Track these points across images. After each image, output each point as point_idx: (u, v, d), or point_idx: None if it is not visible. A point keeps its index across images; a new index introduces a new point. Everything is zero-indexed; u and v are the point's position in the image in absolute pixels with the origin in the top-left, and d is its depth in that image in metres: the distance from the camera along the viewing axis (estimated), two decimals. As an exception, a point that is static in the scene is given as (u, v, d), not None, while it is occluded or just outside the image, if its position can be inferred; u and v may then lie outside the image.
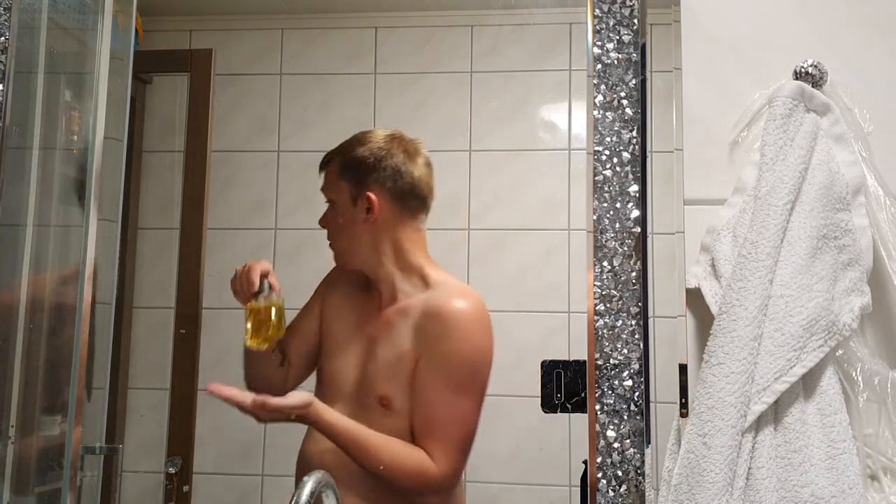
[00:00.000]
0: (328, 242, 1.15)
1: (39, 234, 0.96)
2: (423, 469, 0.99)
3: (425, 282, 1.06)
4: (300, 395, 1.00)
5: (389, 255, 1.08)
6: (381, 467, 0.99)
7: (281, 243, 1.34)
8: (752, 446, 0.67)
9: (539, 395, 0.91)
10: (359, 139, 1.13)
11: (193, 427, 1.20)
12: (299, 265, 1.34)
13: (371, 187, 1.08)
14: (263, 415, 0.99)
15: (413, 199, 1.09)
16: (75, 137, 0.99)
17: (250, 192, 1.35)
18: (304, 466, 1.07)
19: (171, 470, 1.17)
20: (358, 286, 1.12)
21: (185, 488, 1.17)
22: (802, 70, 0.77)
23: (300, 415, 0.99)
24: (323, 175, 1.15)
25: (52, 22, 0.97)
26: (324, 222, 1.14)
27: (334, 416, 1.01)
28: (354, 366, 1.08)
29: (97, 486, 0.93)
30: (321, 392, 1.10)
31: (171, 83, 1.36)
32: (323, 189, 1.14)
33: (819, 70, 0.77)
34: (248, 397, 0.98)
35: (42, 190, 0.97)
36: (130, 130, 1.02)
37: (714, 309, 0.72)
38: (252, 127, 1.37)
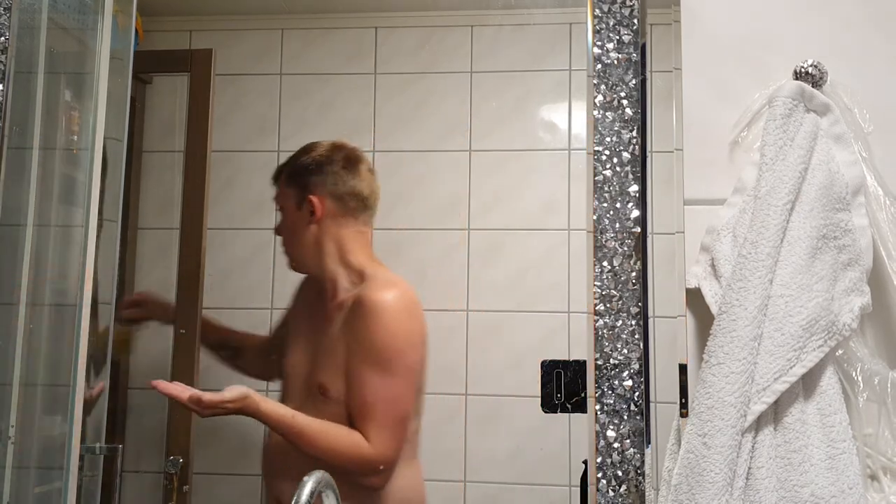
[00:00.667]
0: (283, 249, 1.20)
1: (39, 234, 0.96)
2: (359, 450, 1.05)
3: (362, 278, 1.13)
4: (237, 389, 1.05)
5: (333, 254, 1.15)
6: (319, 454, 1.05)
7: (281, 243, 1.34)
8: (752, 446, 0.67)
9: (539, 395, 0.91)
10: (304, 150, 1.21)
11: (193, 427, 1.20)
12: (299, 265, 1.33)
13: (314, 191, 1.15)
14: (200, 410, 1.03)
15: (354, 202, 1.16)
16: (75, 137, 0.99)
17: (250, 192, 1.35)
18: (266, 459, 1.17)
19: (171, 470, 1.17)
20: (312, 290, 1.19)
21: (185, 488, 1.17)
22: (802, 70, 0.77)
23: (239, 407, 1.04)
24: (275, 187, 1.21)
25: (52, 22, 0.97)
26: (277, 230, 1.21)
27: (270, 405, 1.06)
28: (304, 361, 1.15)
29: (97, 486, 0.93)
30: (283, 387, 1.18)
31: (171, 83, 1.36)
32: (275, 199, 1.21)
33: (819, 70, 0.77)
34: (185, 392, 1.03)
35: (42, 190, 0.97)
36: (130, 130, 1.02)
37: (714, 309, 0.72)
38: (252, 127, 1.37)
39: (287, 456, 1.08)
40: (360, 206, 1.16)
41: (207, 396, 1.02)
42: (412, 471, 1.11)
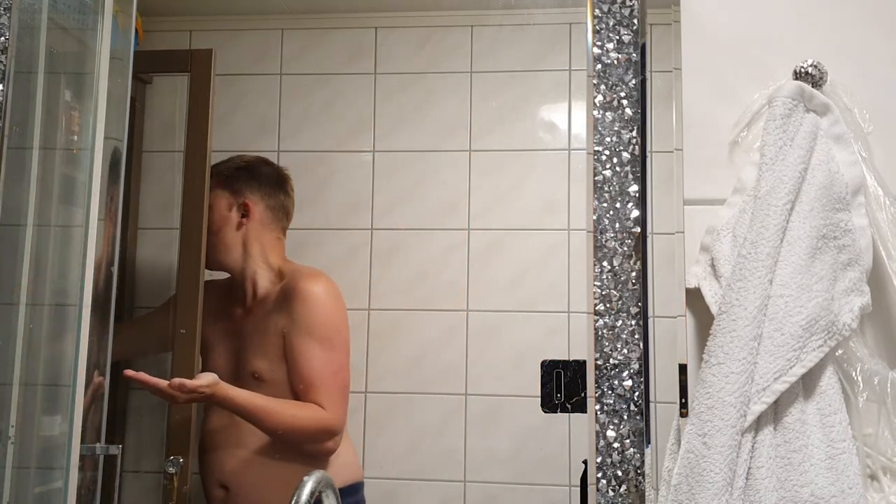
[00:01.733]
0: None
1: (39, 234, 0.96)
2: (319, 417, 1.16)
3: (281, 276, 1.25)
4: (209, 376, 1.14)
5: (257, 255, 1.25)
6: (282, 428, 1.16)
7: (281, 243, 1.34)
8: (752, 446, 0.67)
9: (539, 395, 0.91)
10: (237, 158, 1.30)
11: (193, 427, 1.20)
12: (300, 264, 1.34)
13: (249, 197, 1.26)
14: (181, 396, 1.12)
15: (279, 213, 1.28)
16: (75, 137, 0.99)
17: (250, 192, 1.35)
18: (206, 443, 1.22)
19: (171, 470, 1.17)
20: (221, 295, 1.27)
21: (185, 488, 1.17)
22: (802, 70, 0.77)
23: (211, 393, 1.13)
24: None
25: (52, 22, 0.97)
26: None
27: (235, 390, 1.16)
28: (228, 357, 1.24)
29: (97, 486, 0.93)
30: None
31: (171, 83, 1.36)
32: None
33: (819, 70, 0.77)
34: (164, 381, 1.12)
35: (42, 190, 0.97)
36: (130, 130, 1.02)
37: (714, 309, 0.72)
38: (252, 127, 1.37)
39: (226, 432, 1.19)
40: (283, 217, 1.28)
41: (190, 382, 1.11)
42: (348, 441, 1.23)
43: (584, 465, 0.76)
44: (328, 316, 1.20)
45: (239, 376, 1.21)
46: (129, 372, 1.12)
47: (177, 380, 1.11)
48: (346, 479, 1.20)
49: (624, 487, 0.71)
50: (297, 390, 1.18)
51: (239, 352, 1.23)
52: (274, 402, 1.17)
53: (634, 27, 0.78)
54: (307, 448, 1.18)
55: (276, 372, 1.20)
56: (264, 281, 1.24)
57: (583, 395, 0.78)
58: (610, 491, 0.71)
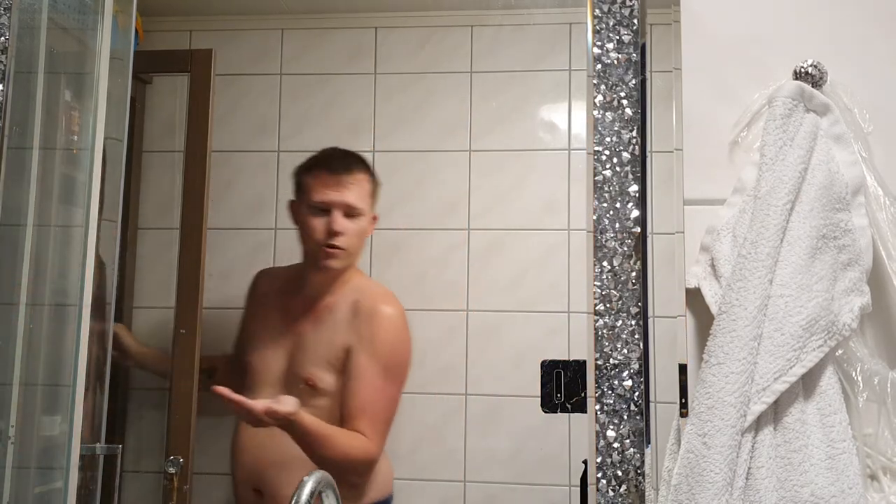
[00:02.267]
0: (336, 247, 1.21)
1: (39, 234, 0.96)
2: (366, 449, 1.15)
3: (352, 285, 1.22)
4: (293, 402, 1.12)
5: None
6: (335, 459, 1.13)
7: (281, 243, 1.35)
8: (752, 446, 0.67)
9: (539, 395, 0.91)
10: (366, 161, 1.26)
11: (193, 427, 1.20)
12: (299, 265, 1.33)
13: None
14: (268, 421, 1.10)
15: None
16: (75, 137, 0.99)
17: (250, 192, 1.35)
18: (241, 445, 1.20)
19: (171, 470, 1.17)
20: (281, 289, 1.25)
21: (185, 488, 1.17)
22: (802, 70, 0.77)
23: (293, 420, 1.11)
24: (349, 189, 1.22)
25: (52, 22, 0.97)
26: (340, 228, 1.22)
27: (310, 417, 1.13)
28: (282, 357, 1.21)
29: (97, 486, 0.93)
30: (246, 381, 1.22)
31: (171, 83, 1.36)
32: (352, 200, 1.22)
33: (819, 70, 0.77)
34: (258, 404, 1.09)
35: (42, 190, 0.97)
36: (130, 130, 1.02)
37: (714, 309, 0.72)
38: (252, 127, 1.37)
39: (262, 436, 1.16)
40: None
41: (281, 409, 1.10)
42: (386, 461, 1.22)
43: (584, 465, 0.76)
44: (398, 346, 1.19)
45: (289, 380, 1.19)
46: (220, 389, 1.09)
47: (270, 406, 1.09)
48: (383, 492, 1.19)
49: (624, 487, 0.71)
50: (345, 408, 1.16)
51: (293, 354, 1.20)
52: (334, 431, 1.14)
53: (634, 27, 0.78)
54: (346, 479, 1.14)
55: (330, 384, 1.17)
56: (334, 285, 1.22)
57: (583, 395, 0.78)
58: (610, 491, 0.71)
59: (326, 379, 1.18)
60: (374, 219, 1.24)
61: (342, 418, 1.16)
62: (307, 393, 1.17)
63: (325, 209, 1.21)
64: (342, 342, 1.18)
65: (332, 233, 1.20)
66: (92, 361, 0.91)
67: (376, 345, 1.17)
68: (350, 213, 1.21)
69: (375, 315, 1.19)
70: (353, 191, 1.22)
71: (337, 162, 1.24)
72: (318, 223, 1.21)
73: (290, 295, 1.24)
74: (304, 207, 1.24)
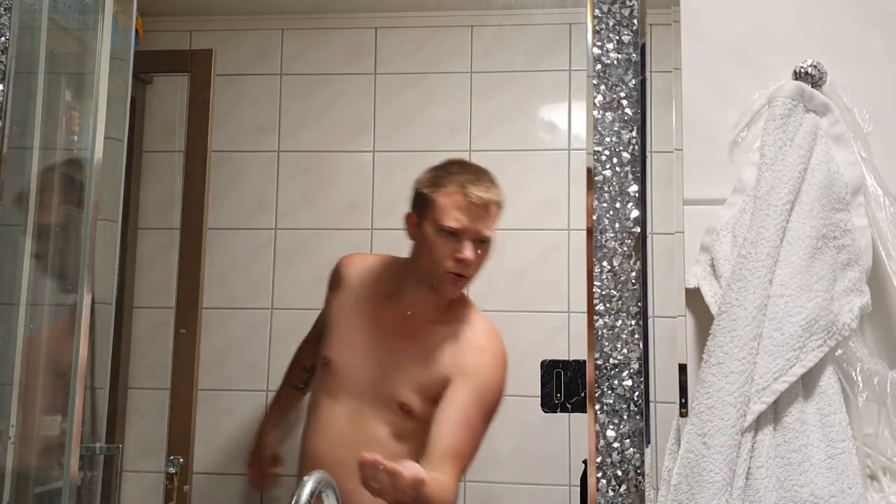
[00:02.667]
0: (462, 276, 1.16)
1: (39, 235, 0.96)
2: (451, 498, 1.06)
3: (462, 312, 1.15)
4: (418, 468, 1.00)
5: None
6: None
7: (281, 243, 1.34)
8: (752, 446, 0.67)
9: (539, 394, 0.91)
10: (495, 180, 1.17)
11: (193, 427, 1.20)
12: (299, 265, 1.34)
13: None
14: (409, 493, 0.98)
15: None
16: (75, 137, 0.99)
17: (250, 192, 1.35)
18: (313, 448, 1.12)
19: (171, 470, 1.17)
20: (379, 289, 1.18)
21: (185, 488, 1.17)
22: (802, 70, 0.77)
23: (421, 490, 1.00)
24: (481, 214, 1.15)
25: (53, 22, 0.97)
26: (474, 259, 1.15)
27: (434, 485, 1.03)
28: (370, 366, 1.13)
29: (97, 486, 0.93)
30: (324, 382, 1.15)
31: (172, 83, 1.36)
32: (483, 228, 1.15)
33: (818, 70, 0.77)
34: (408, 470, 0.98)
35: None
36: (130, 130, 1.03)
37: (713, 309, 0.72)
38: (252, 127, 1.37)
39: (336, 438, 1.09)
40: None
41: (423, 476, 0.99)
42: None
43: (583, 465, 0.76)
44: (497, 385, 1.12)
45: (379, 398, 1.11)
46: (367, 456, 0.97)
47: (418, 476, 0.98)
48: None
49: (624, 487, 0.71)
50: (435, 444, 1.07)
51: (386, 369, 1.13)
52: (442, 488, 1.05)
53: (634, 27, 0.78)
54: None
55: (423, 412, 1.10)
56: (446, 312, 1.15)
57: (583, 394, 0.78)
58: (610, 491, 0.71)
59: (421, 406, 1.10)
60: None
61: (428, 452, 1.07)
62: (399, 418, 1.10)
63: (455, 234, 1.14)
64: (442, 372, 1.11)
65: (460, 261, 1.13)
66: (92, 361, 0.91)
67: (477, 382, 1.10)
68: (481, 239, 1.14)
69: (479, 350, 1.12)
70: (487, 219, 1.15)
71: (474, 186, 1.15)
72: (445, 248, 1.14)
73: (388, 300, 1.17)
74: (428, 226, 1.16)
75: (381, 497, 0.99)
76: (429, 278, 1.16)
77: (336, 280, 1.22)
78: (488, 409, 1.10)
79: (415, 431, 1.09)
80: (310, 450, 1.13)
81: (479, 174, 1.18)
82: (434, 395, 1.10)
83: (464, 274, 1.15)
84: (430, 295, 1.16)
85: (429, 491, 1.00)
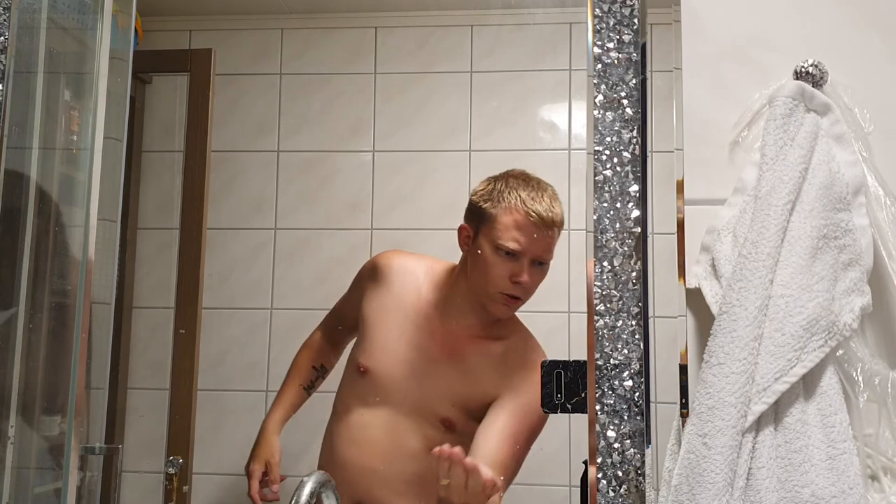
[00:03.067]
0: (517, 299, 1.11)
1: (39, 234, 0.96)
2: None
3: (508, 327, 1.10)
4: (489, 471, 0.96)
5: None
6: None
7: (280, 243, 1.35)
8: (753, 446, 0.67)
9: (539, 395, 0.91)
10: (557, 196, 1.13)
11: (193, 427, 1.20)
12: (298, 265, 1.34)
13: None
14: (486, 492, 0.94)
15: None
16: (75, 137, 0.99)
17: (250, 192, 1.35)
18: (341, 458, 1.08)
19: (171, 470, 1.17)
20: (423, 296, 1.13)
21: (185, 488, 1.17)
22: (803, 70, 0.77)
23: (494, 492, 0.96)
24: (543, 235, 1.10)
25: (52, 22, 0.97)
26: (530, 281, 1.10)
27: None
28: (411, 378, 1.09)
29: (97, 486, 0.93)
30: (358, 390, 1.10)
31: (171, 83, 1.36)
32: (543, 251, 1.10)
33: (819, 70, 0.77)
34: (485, 471, 0.93)
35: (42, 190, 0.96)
36: (130, 130, 1.02)
37: (714, 309, 0.72)
38: (252, 127, 1.37)
39: (367, 449, 1.05)
40: None
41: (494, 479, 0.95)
42: None
43: (584, 466, 0.76)
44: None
45: (421, 412, 1.07)
46: (447, 448, 0.93)
47: (494, 480, 0.93)
48: None
49: (624, 488, 0.71)
50: (476, 452, 1.03)
51: (428, 382, 1.08)
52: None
53: (635, 27, 0.77)
54: None
55: (465, 428, 1.06)
56: (494, 329, 1.11)
57: (583, 395, 0.78)
58: (610, 491, 0.71)
59: (463, 422, 1.07)
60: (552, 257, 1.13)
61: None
62: (438, 432, 1.06)
63: (513, 255, 1.08)
64: (488, 390, 1.07)
65: (518, 283, 1.08)
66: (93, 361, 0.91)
67: (525, 399, 1.04)
68: (541, 261, 1.09)
69: (528, 367, 1.06)
70: (550, 240, 1.09)
71: (539, 205, 1.09)
72: (502, 268, 1.08)
73: (434, 310, 1.12)
74: (484, 243, 1.09)
75: (449, 499, 0.94)
76: (480, 296, 1.10)
77: (376, 275, 1.15)
78: (535, 426, 1.06)
79: (457, 444, 1.02)
80: (338, 457, 1.09)
81: (540, 190, 1.11)
82: (477, 412, 1.06)
83: (519, 297, 1.10)
84: (479, 312, 1.11)
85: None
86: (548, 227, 1.09)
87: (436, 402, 1.07)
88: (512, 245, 1.08)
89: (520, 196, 1.09)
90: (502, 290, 1.09)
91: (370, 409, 1.09)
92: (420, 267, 1.16)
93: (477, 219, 1.12)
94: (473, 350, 1.10)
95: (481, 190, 1.13)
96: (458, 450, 0.93)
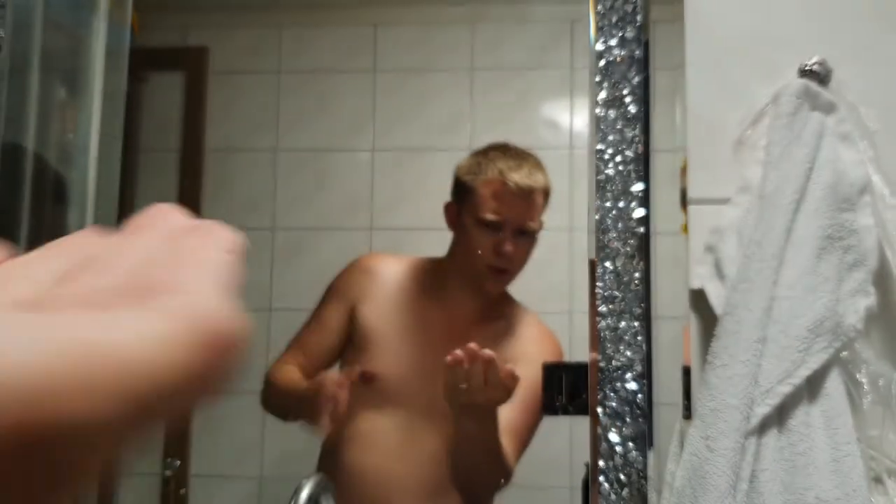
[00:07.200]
0: (504, 271, 1.09)
1: (35, 233, 0.95)
2: (510, 467, 1.01)
3: (507, 305, 1.10)
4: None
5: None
6: (488, 466, 0.99)
7: (279, 242, 1.34)
8: (756, 449, 0.66)
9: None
10: (541, 164, 1.11)
11: (191, 429, 1.19)
12: (297, 264, 1.33)
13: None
14: (506, 384, 0.91)
15: None
16: (70, 135, 0.98)
17: (247, 191, 1.34)
18: (348, 481, 1.04)
19: (168, 472, 1.16)
20: (419, 293, 1.11)
21: (182, 491, 1.17)
22: (808, 68, 0.76)
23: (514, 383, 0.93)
24: (523, 203, 1.08)
25: (47, 19, 0.96)
26: (515, 251, 1.09)
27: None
28: (422, 376, 1.06)
29: (95, 488, 0.93)
30: (366, 397, 1.07)
31: (167, 80, 1.35)
32: (525, 219, 1.09)
33: (825, 68, 0.76)
34: (503, 363, 0.92)
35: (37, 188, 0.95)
36: (126, 128, 1.01)
37: (718, 310, 0.71)
38: (249, 124, 1.36)
39: (393, 480, 1.02)
40: None
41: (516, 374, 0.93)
42: None
43: (585, 468, 0.76)
44: None
45: (437, 412, 1.02)
46: (460, 350, 0.90)
47: (514, 371, 0.92)
48: None
49: (626, 491, 0.71)
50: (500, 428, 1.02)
51: (438, 382, 1.03)
52: (503, 454, 1.00)
53: (638, 24, 0.76)
54: (478, 493, 1.02)
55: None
56: (494, 308, 1.10)
57: (585, 397, 0.78)
58: (612, 494, 0.71)
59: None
60: (540, 226, 1.12)
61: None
62: (450, 425, 1.02)
63: (495, 226, 1.07)
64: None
65: (501, 255, 1.07)
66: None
67: (530, 370, 1.00)
68: (525, 230, 1.08)
69: (537, 340, 1.07)
70: (532, 207, 1.07)
71: (516, 173, 1.08)
72: (486, 240, 1.07)
73: (432, 303, 1.10)
74: (468, 217, 1.09)
75: (469, 399, 0.92)
76: (470, 274, 1.09)
77: (363, 286, 1.13)
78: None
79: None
80: (354, 465, 1.05)
81: (521, 158, 1.10)
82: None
83: (506, 268, 1.08)
84: (474, 293, 1.10)
85: (506, 466, 0.95)
86: (527, 195, 1.08)
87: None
88: (490, 216, 1.07)
89: (498, 167, 1.09)
90: (488, 262, 1.08)
91: (380, 413, 1.06)
92: (409, 265, 1.16)
93: (460, 195, 1.12)
94: (477, 334, 1.08)
95: (464, 165, 1.13)
96: (471, 344, 0.91)
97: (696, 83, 0.78)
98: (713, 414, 0.66)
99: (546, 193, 1.11)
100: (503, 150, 1.12)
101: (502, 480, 1.02)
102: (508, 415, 1.02)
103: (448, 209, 1.13)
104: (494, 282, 1.10)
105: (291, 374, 1.09)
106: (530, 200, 1.09)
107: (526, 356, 1.04)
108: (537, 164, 1.11)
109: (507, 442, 1.02)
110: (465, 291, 1.11)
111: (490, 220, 1.08)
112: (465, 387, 0.91)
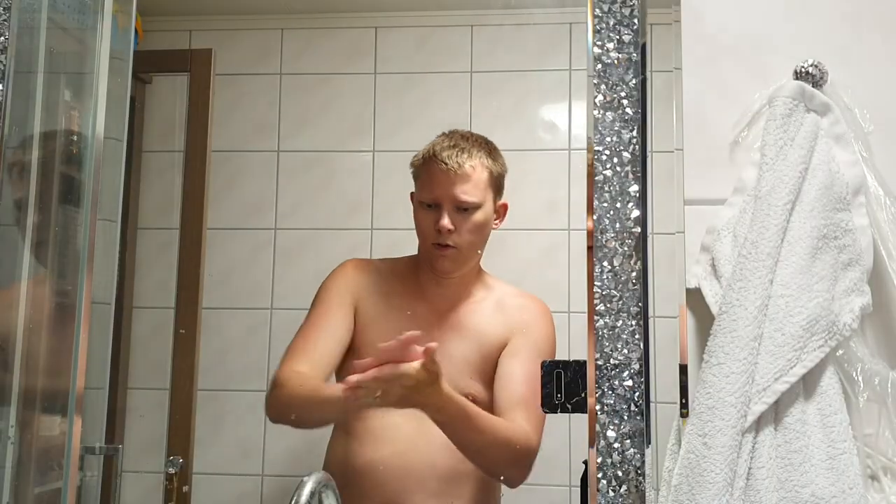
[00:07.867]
0: (446, 246, 1.09)
1: (39, 233, 0.96)
2: (528, 437, 1.00)
3: (486, 283, 1.13)
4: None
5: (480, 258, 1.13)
6: (491, 436, 0.98)
7: (281, 243, 1.35)
8: (753, 446, 0.67)
9: (539, 395, 0.90)
10: (488, 144, 1.13)
11: (193, 427, 1.20)
12: (299, 265, 1.34)
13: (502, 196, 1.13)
14: (430, 366, 0.90)
15: None
16: (75, 137, 0.99)
17: (250, 192, 1.35)
18: (360, 478, 1.04)
19: (171, 470, 1.17)
20: (400, 290, 1.13)
21: (185, 488, 1.17)
22: (803, 70, 0.77)
23: (438, 375, 0.92)
24: (455, 180, 1.09)
25: (52, 22, 0.97)
26: (454, 226, 1.09)
27: (448, 387, 0.95)
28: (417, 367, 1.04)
29: (97, 486, 0.93)
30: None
31: (171, 83, 1.36)
32: (459, 194, 1.09)
33: (819, 70, 0.77)
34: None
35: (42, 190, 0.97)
36: (130, 130, 1.02)
37: (714, 309, 0.72)
38: (252, 127, 1.37)
39: (394, 472, 1.01)
40: None
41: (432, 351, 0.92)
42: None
43: (584, 466, 0.76)
44: (551, 338, 1.09)
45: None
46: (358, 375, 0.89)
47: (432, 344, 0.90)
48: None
49: (624, 488, 0.71)
50: (499, 400, 1.03)
51: (446, 367, 1.00)
52: (482, 412, 0.99)
53: (635, 27, 0.77)
54: (504, 472, 1.01)
55: (489, 396, 1.05)
56: (475, 289, 1.12)
57: (583, 395, 0.78)
58: (610, 491, 0.71)
59: (484, 392, 1.06)
60: (503, 208, 1.12)
61: (496, 408, 1.03)
62: None
63: (435, 205, 1.09)
64: (493, 343, 1.07)
65: (439, 230, 1.08)
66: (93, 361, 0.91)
67: (532, 337, 1.06)
68: (462, 206, 1.08)
69: (527, 307, 1.10)
70: (464, 181, 1.07)
71: (446, 152, 1.09)
72: (428, 220, 1.09)
73: (414, 297, 1.12)
74: (414, 202, 1.13)
75: (400, 400, 0.91)
76: (427, 258, 1.12)
77: (348, 294, 1.14)
78: (548, 356, 1.06)
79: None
80: (365, 462, 1.05)
81: (458, 139, 1.11)
82: (493, 371, 1.06)
83: (448, 243, 1.09)
84: (439, 278, 1.12)
85: (445, 389, 0.93)
86: (458, 171, 1.09)
87: (457, 380, 1.03)
88: (426, 196, 1.10)
89: (434, 149, 1.11)
90: (432, 241, 1.10)
91: (390, 410, 1.03)
92: (386, 266, 1.18)
93: (414, 182, 1.15)
94: (466, 313, 1.11)
95: (414, 157, 1.16)
96: (361, 361, 0.90)
97: (692, 85, 0.79)
98: (710, 411, 0.67)
99: (492, 174, 1.11)
100: (448, 134, 1.14)
101: (517, 447, 1.00)
102: (514, 388, 1.03)
103: (411, 198, 1.17)
104: (441, 258, 1.10)
105: (315, 383, 1.07)
106: (463, 176, 1.09)
107: (522, 326, 1.07)
108: (480, 145, 1.11)
109: (519, 414, 1.02)
110: (432, 277, 1.13)
111: (425, 200, 1.11)
112: (380, 393, 0.90)
